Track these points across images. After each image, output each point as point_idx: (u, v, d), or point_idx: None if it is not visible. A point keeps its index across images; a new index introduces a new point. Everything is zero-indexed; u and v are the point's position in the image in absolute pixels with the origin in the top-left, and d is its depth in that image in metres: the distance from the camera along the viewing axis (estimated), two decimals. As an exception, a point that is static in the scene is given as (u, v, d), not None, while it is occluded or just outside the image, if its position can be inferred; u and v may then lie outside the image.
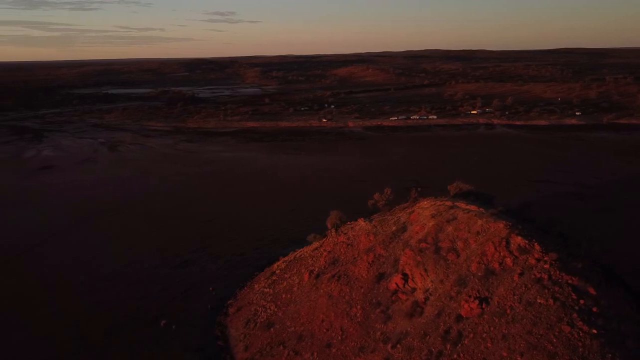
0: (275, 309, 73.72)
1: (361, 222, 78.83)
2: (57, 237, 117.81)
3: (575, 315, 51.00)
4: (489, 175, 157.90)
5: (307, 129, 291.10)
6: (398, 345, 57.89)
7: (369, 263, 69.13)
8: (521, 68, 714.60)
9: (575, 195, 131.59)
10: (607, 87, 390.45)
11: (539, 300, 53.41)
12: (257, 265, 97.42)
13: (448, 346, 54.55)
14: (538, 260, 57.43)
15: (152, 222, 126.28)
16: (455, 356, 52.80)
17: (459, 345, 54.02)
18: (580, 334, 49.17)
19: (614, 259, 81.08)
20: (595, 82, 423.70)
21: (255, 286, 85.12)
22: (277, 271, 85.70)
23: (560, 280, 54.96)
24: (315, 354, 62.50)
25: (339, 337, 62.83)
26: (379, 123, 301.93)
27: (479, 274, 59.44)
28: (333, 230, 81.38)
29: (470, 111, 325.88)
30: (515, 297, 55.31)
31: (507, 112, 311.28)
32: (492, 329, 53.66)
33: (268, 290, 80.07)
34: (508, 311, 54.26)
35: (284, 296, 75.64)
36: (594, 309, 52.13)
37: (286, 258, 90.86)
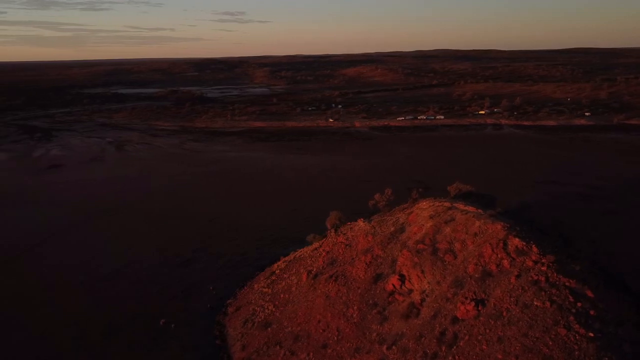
0: (273, 309, 73.71)
1: (360, 223, 78.60)
2: (58, 237, 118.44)
3: (572, 318, 50.39)
4: (495, 176, 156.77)
5: (313, 129, 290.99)
6: (393, 347, 57.61)
7: (366, 264, 68.87)
8: (531, 68, 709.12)
9: (580, 196, 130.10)
10: (618, 88, 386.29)
11: (535, 303, 52.87)
12: (258, 265, 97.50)
13: (443, 348, 54.18)
14: (535, 262, 56.87)
15: (154, 222, 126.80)
16: (450, 358, 52.41)
17: (454, 347, 53.63)
18: (577, 337, 48.58)
19: (616, 260, 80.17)
20: (606, 82, 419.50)
21: (255, 286, 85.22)
22: (277, 271, 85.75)
23: (557, 283, 54.38)
24: (311, 354, 62.38)
25: (335, 338, 62.67)
26: (386, 123, 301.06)
27: (476, 275, 58.99)
28: (332, 230, 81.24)
29: (478, 111, 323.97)
30: (511, 299, 54.80)
31: (515, 113, 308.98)
32: (487, 331, 53.20)
33: (267, 290, 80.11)
34: (504, 313, 53.77)
35: (282, 296, 75.63)
36: (592, 312, 51.47)
37: (286, 258, 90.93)
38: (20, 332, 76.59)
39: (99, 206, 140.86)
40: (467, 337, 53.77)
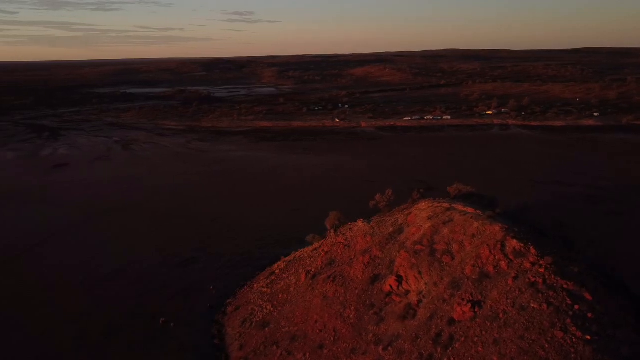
0: (272, 309, 73.69)
1: (360, 223, 78.36)
2: (59, 236, 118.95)
3: (569, 320, 49.85)
4: (499, 176, 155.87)
5: (319, 129, 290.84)
6: (389, 348, 57.33)
7: (364, 264, 68.63)
8: (541, 68, 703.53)
9: (586, 197, 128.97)
10: (628, 88, 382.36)
11: (532, 305, 52.36)
12: (258, 265, 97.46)
13: (439, 349, 53.83)
14: (533, 264, 56.35)
15: (156, 221, 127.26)
16: (445, 360, 52.10)
17: (450, 348, 53.25)
18: (573, 340, 48.03)
19: (618, 262, 79.29)
20: (616, 83, 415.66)
21: (255, 286, 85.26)
22: (277, 271, 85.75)
23: (555, 285, 53.83)
24: (308, 354, 62.27)
25: (332, 338, 62.51)
26: (392, 123, 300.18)
27: (473, 277, 58.55)
28: (332, 231, 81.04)
29: (485, 112, 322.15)
30: (508, 301, 54.33)
31: (523, 113, 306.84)
32: (483, 333, 52.76)
33: (266, 290, 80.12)
34: (501, 315, 53.30)
35: (280, 296, 75.60)
36: (589, 315, 50.91)
37: (287, 258, 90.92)
38: (20, 332, 77.03)
39: (101, 206, 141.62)
40: (463, 339, 53.37)
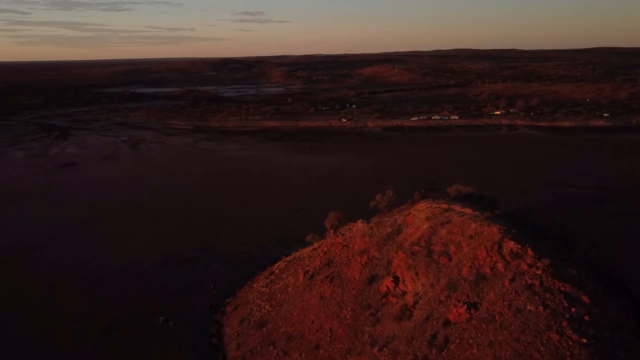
0: (270, 309, 73.77)
1: (359, 224, 78.14)
2: (62, 236, 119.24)
3: (565, 323, 49.36)
4: (505, 177, 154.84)
5: (326, 129, 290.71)
6: (385, 349, 57.14)
7: (362, 265, 68.45)
8: (551, 68, 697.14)
9: (592, 198, 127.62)
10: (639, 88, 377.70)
11: (528, 307, 51.92)
12: (260, 265, 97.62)
13: (434, 351, 53.56)
14: (530, 265, 55.86)
15: (160, 221, 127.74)
16: (439, 361, 51.80)
17: (445, 350, 52.96)
18: (570, 343, 47.55)
19: (623, 264, 78.31)
20: (627, 83, 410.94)
21: (254, 285, 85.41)
22: (276, 271, 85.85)
23: (552, 287, 53.33)
24: (304, 354, 62.25)
25: (328, 339, 62.43)
26: (399, 123, 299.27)
27: (470, 278, 58.18)
28: (331, 231, 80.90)
29: (493, 112, 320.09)
30: (504, 303, 53.91)
31: (531, 113, 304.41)
32: (479, 335, 52.42)
33: (265, 289, 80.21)
34: (497, 317, 52.90)
35: (279, 296, 75.66)
36: (586, 318, 50.37)
37: (287, 258, 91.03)
38: (20, 331, 77.43)
39: (105, 205, 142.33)
40: (458, 341, 53.06)
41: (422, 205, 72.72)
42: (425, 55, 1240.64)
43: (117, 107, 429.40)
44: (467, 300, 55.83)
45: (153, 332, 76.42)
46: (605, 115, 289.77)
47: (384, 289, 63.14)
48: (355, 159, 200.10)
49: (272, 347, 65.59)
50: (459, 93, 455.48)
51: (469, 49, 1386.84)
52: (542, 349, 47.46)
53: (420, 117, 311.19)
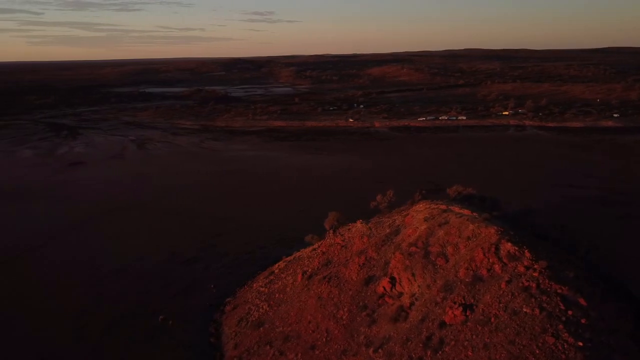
0: (267, 309, 73.74)
1: (358, 224, 77.87)
2: (65, 234, 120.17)
3: (561, 326, 48.78)
4: (510, 178, 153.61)
5: (332, 129, 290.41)
6: (380, 350, 56.86)
7: (359, 265, 68.19)
8: (562, 68, 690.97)
9: (598, 200, 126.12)
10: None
11: (524, 310, 51.37)
12: (261, 264, 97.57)
13: (428, 353, 53.20)
14: (527, 267, 55.27)
15: (163, 220, 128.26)
16: (434, 364, 51.45)
17: (440, 352, 52.58)
18: (565, 346, 47.00)
19: (626, 266, 77.37)
20: (639, 83, 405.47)
21: (254, 285, 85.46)
22: (276, 271, 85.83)
23: (548, 290, 52.72)
24: (299, 354, 62.13)
25: (324, 339, 62.26)
26: (406, 123, 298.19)
27: (467, 280, 57.70)
28: (331, 231, 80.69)
29: (502, 112, 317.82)
30: (500, 305, 53.38)
31: (540, 114, 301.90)
32: (474, 337, 51.96)
33: (264, 289, 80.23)
34: (492, 319, 52.41)
35: (277, 296, 75.61)
36: (583, 321, 49.74)
37: (287, 258, 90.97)
38: (21, 330, 77.95)
39: (110, 205, 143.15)
40: (453, 343, 52.64)
41: (420, 206, 72.30)
42: (435, 55, 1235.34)
43: (126, 106, 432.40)
44: (463, 302, 55.37)
45: (152, 331, 76.70)
46: (615, 115, 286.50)
47: (380, 290, 62.85)
48: (360, 159, 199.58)
49: (268, 347, 65.55)
50: (468, 93, 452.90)
51: (480, 49, 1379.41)
52: (537, 352, 46.95)
53: (428, 118, 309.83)
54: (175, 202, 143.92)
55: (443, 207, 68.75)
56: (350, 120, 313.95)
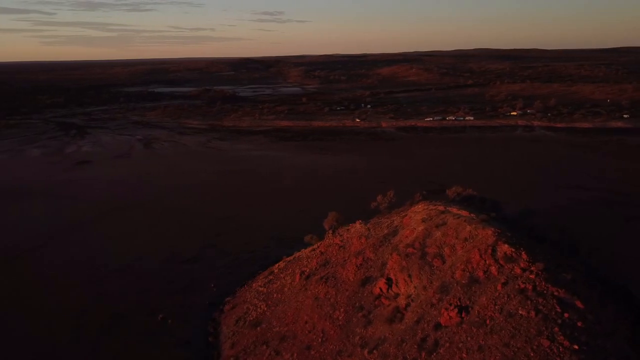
0: (265, 309, 73.77)
1: (357, 225, 77.69)
2: (68, 233, 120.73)
3: (556, 329, 48.25)
4: (515, 179, 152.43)
5: (339, 129, 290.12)
6: (374, 351, 56.62)
7: (357, 266, 68.00)
8: (573, 68, 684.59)
9: (603, 202, 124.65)
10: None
11: (520, 312, 50.89)
12: (262, 264, 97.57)
13: (423, 354, 52.91)
14: (524, 269, 54.73)
15: (164, 219, 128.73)
16: (428, 365, 51.14)
17: (434, 354, 52.26)
18: (560, 349, 46.48)
19: (628, 269, 76.48)
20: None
21: (254, 285, 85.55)
22: (276, 270, 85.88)
23: (545, 292, 52.18)
24: (295, 354, 62.07)
25: (319, 340, 62.16)
26: (412, 123, 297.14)
27: (463, 281, 57.30)
28: (330, 231, 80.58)
29: (510, 112, 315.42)
30: (496, 307, 52.94)
31: (549, 114, 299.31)
32: (469, 339, 51.58)
33: (263, 289, 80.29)
34: (487, 321, 52.00)
35: (275, 296, 75.62)
36: (579, 324, 49.16)
37: (288, 258, 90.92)
38: (21, 330, 78.36)
39: (113, 204, 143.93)
40: (447, 345, 52.30)
41: (419, 207, 71.94)
42: (446, 55, 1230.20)
43: (135, 106, 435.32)
44: (459, 304, 54.99)
45: (152, 330, 76.99)
46: (625, 116, 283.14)
47: (377, 290, 62.61)
48: (365, 160, 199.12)
49: (264, 346, 65.56)
50: (477, 93, 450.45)
51: (490, 49, 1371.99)
52: (532, 354, 46.49)
53: (435, 118, 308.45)
54: (177, 202, 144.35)
55: (441, 208, 68.32)
56: (357, 120, 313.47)
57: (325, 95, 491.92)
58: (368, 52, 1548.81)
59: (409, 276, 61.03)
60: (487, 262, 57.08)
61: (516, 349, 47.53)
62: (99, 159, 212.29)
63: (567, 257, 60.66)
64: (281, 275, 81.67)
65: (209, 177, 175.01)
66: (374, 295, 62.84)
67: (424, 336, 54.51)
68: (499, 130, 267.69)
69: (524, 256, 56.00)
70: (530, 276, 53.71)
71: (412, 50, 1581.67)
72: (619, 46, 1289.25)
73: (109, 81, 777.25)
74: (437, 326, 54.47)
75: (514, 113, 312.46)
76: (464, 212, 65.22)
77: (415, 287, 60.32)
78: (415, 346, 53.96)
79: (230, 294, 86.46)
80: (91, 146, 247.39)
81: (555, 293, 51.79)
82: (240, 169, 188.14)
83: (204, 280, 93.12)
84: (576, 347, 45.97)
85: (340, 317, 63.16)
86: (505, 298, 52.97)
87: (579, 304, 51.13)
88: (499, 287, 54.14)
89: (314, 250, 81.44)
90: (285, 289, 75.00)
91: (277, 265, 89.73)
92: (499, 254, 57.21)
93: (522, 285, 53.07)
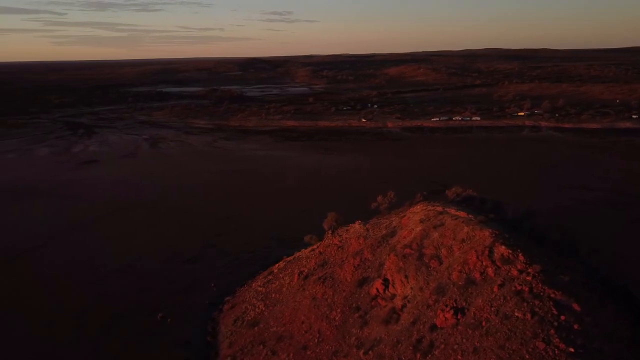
0: (263, 308, 73.83)
1: (356, 225, 77.52)
2: (69, 233, 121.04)
3: (552, 331, 47.79)
4: (520, 179, 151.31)
5: (345, 129, 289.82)
6: (370, 352, 56.45)
7: (354, 267, 67.85)
8: (582, 68, 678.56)
9: (608, 203, 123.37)
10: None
11: (516, 314, 50.48)
12: (263, 264, 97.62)
13: (418, 355, 52.67)
14: (521, 271, 54.28)
15: (166, 219, 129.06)
16: (423, 367, 50.90)
17: (429, 355, 52.03)
18: (556, 352, 46.02)
19: (631, 271, 75.64)
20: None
21: (253, 284, 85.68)
22: (275, 270, 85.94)
23: (541, 294, 51.71)
24: (291, 354, 62.06)
25: (316, 340, 62.10)
26: (419, 124, 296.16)
27: (460, 283, 56.97)
28: (329, 232, 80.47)
29: (517, 113, 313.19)
30: (492, 309, 52.56)
31: (556, 114, 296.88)
32: (464, 340, 51.26)
33: (261, 289, 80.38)
34: (483, 323, 51.63)
35: (273, 296, 75.67)
36: (575, 326, 48.64)
37: (288, 258, 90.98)
38: (21, 330, 78.86)
39: (118, 203, 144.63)
40: (442, 346, 52.03)
41: (418, 207, 71.62)
42: (454, 55, 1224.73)
43: (142, 106, 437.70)
44: (455, 305, 54.66)
45: (151, 329, 77.25)
46: (634, 117, 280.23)
47: (373, 291, 62.43)
48: (370, 160, 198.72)
49: (261, 346, 65.61)
50: (484, 93, 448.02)
51: (499, 49, 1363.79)
52: (527, 357, 46.08)
53: (441, 118, 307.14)
54: (180, 202, 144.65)
55: (439, 208, 67.97)
56: (363, 120, 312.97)
57: (332, 95, 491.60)
58: (376, 52, 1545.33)
59: (406, 277, 60.76)
60: (483, 263, 56.70)
61: (511, 351, 47.13)
62: (105, 159, 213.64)
63: (567, 258, 60.04)
64: (280, 275, 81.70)
65: (213, 177, 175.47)
66: (370, 296, 62.67)
67: (419, 337, 54.26)
68: (506, 130, 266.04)
69: (521, 258, 55.54)
70: (527, 278, 53.25)
71: (420, 50, 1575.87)
72: (630, 46, 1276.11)
73: (117, 81, 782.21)
74: (433, 327, 54.20)
75: (522, 113, 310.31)
76: (462, 213, 64.84)
77: (411, 288, 60.05)
78: (411, 347, 53.72)
79: (230, 294, 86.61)
80: (98, 145, 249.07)
81: (552, 295, 51.30)
82: (244, 168, 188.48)
83: (204, 280, 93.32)
84: (572, 350, 45.48)
85: (337, 318, 63.07)
86: (502, 300, 52.57)
87: (575, 306, 50.59)
88: (495, 289, 53.75)
89: (313, 250, 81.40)
90: (284, 289, 75.02)
91: (277, 265, 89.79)
92: (496, 255, 56.80)
93: (519, 287, 52.63)
